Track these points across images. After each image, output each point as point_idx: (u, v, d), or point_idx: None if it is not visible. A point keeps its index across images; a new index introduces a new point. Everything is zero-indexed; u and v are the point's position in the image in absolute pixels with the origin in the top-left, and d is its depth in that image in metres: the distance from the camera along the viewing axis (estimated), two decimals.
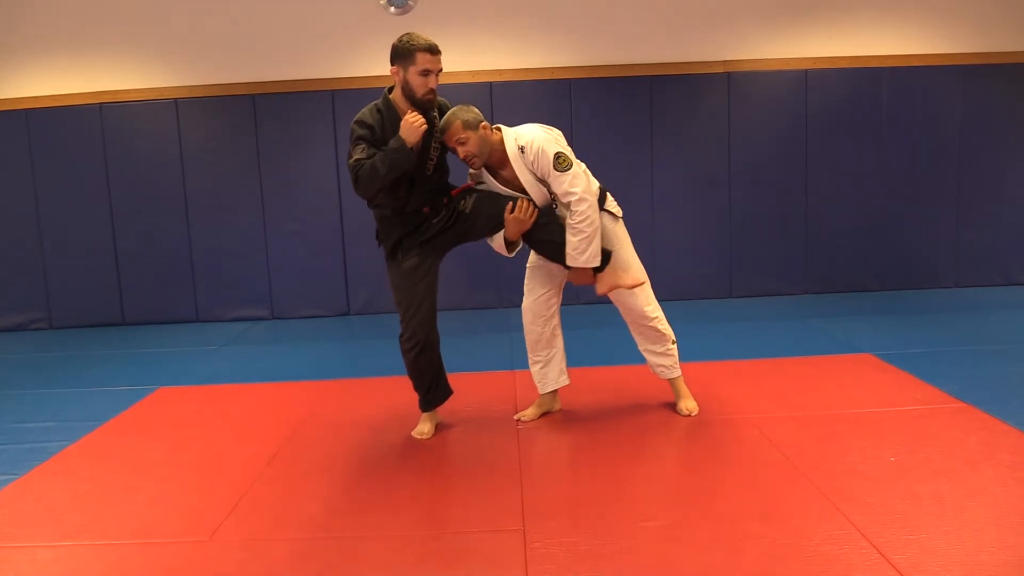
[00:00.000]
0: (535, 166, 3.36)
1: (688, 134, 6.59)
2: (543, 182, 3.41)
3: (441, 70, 3.40)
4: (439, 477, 3.19)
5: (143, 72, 6.54)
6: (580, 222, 3.33)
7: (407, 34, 3.38)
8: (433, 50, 3.34)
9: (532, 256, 3.75)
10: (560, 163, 3.31)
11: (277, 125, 6.56)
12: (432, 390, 3.64)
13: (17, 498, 3.15)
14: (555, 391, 3.87)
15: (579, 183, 3.33)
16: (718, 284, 6.76)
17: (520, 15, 6.50)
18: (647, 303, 3.63)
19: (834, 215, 6.68)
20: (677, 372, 3.75)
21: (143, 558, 2.61)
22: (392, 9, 6.42)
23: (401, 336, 3.52)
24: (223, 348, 5.75)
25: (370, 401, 4.17)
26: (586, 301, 6.66)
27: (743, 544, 2.51)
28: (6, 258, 6.68)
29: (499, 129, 3.47)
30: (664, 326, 3.69)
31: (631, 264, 3.58)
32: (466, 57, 6.51)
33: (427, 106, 3.39)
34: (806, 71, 6.53)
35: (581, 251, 3.36)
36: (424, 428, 3.64)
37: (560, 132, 3.53)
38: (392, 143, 3.25)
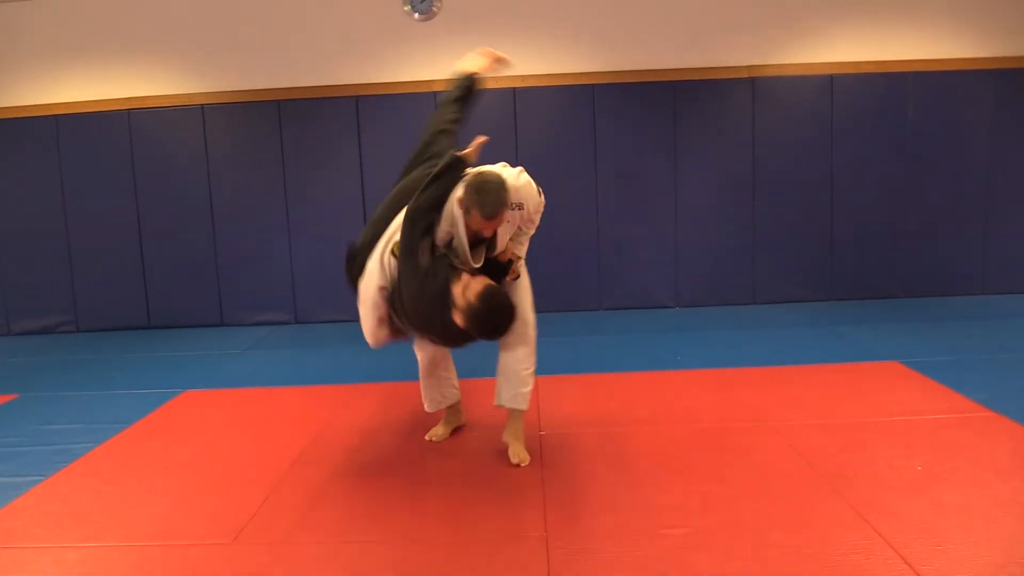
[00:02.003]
0: (518, 210, 3.28)
1: (712, 140, 6.55)
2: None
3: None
4: (461, 483, 3.18)
5: (170, 79, 6.61)
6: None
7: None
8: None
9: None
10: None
11: (302, 131, 6.61)
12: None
13: (44, 499, 3.18)
14: (454, 405, 3.75)
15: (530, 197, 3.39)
16: (742, 290, 6.71)
17: (543, 21, 6.50)
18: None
19: (860, 221, 6.62)
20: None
21: (167, 559, 2.63)
22: (416, 16, 6.45)
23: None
24: (247, 352, 5.79)
25: (393, 406, 4.18)
26: (608, 307, 6.65)
27: (767, 553, 2.49)
28: (35, 262, 6.77)
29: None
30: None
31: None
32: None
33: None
34: (831, 76, 6.48)
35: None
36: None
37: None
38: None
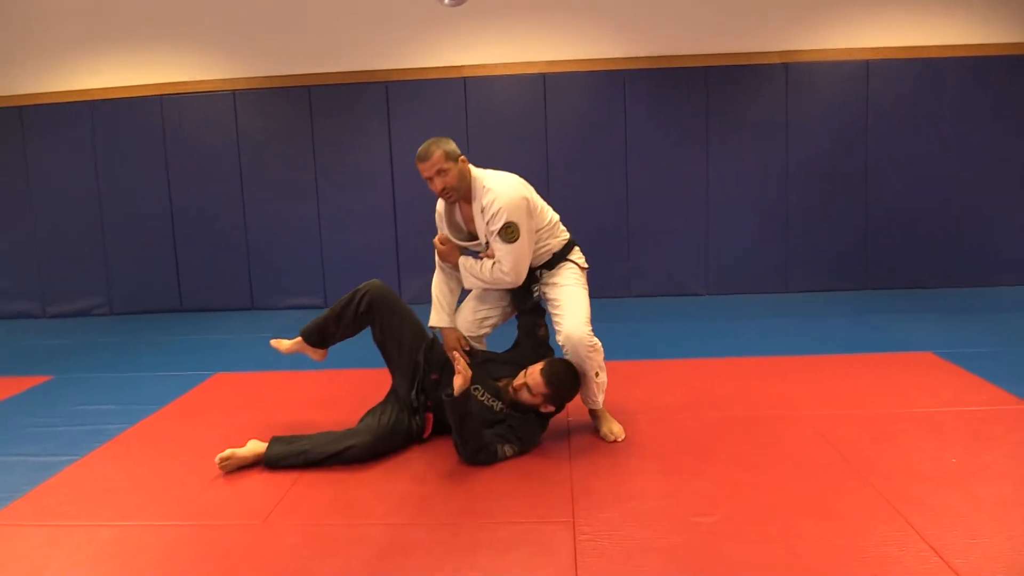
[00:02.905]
0: (488, 222, 3.29)
1: (744, 126, 6.48)
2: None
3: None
4: (489, 467, 3.18)
5: (202, 65, 6.66)
6: (489, 276, 3.35)
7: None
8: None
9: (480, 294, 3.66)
10: (507, 233, 3.25)
11: (332, 117, 6.63)
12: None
13: (78, 478, 3.23)
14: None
15: (510, 261, 3.28)
16: (775, 278, 6.64)
17: (574, 6, 6.45)
18: (586, 319, 3.40)
19: (895, 209, 6.51)
20: (600, 404, 3.49)
21: (199, 539, 2.66)
22: (446, 1, 6.41)
23: None
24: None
25: None
26: (638, 294, 6.62)
27: (797, 543, 2.46)
28: (70, 246, 6.87)
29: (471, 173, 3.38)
30: (593, 354, 3.39)
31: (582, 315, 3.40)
32: (520, 48, 6.49)
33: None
34: (867, 62, 6.37)
35: (472, 273, 3.42)
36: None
37: (531, 188, 3.42)
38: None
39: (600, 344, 3.40)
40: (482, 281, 3.42)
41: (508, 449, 3.22)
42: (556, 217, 3.53)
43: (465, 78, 6.51)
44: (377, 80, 6.56)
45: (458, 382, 3.08)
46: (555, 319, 3.41)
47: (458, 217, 3.53)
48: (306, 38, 6.58)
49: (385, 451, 3.31)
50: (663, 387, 4.07)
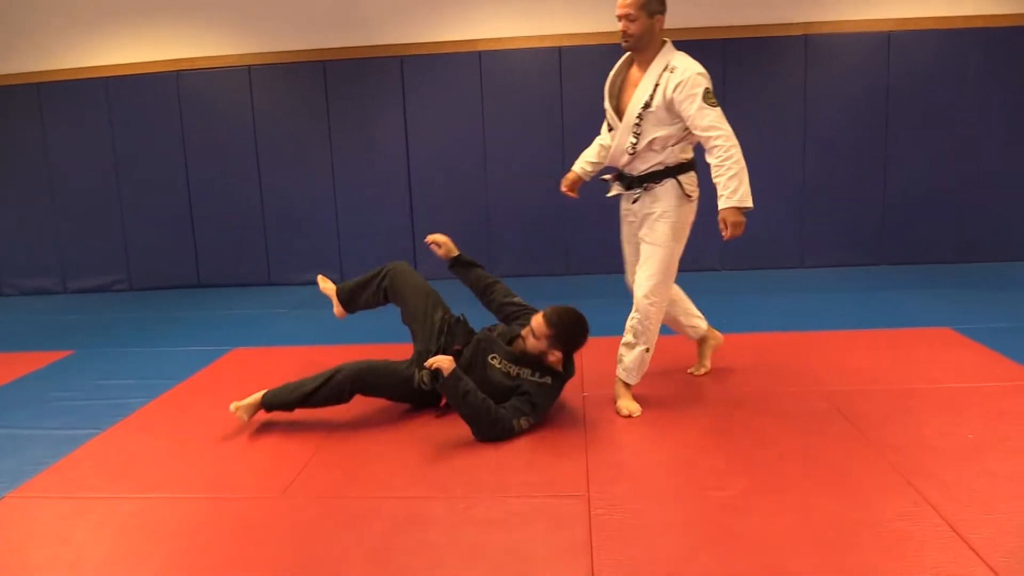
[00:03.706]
0: (676, 89, 3.18)
1: (763, 99, 6.41)
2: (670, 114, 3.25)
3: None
4: (505, 441, 3.21)
5: (217, 40, 6.66)
6: (725, 159, 3.14)
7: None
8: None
9: (622, 231, 3.66)
10: (709, 98, 3.16)
11: (347, 91, 6.62)
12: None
13: (100, 451, 3.28)
14: (702, 336, 3.90)
15: (725, 122, 3.17)
16: (791, 253, 6.61)
17: None
18: (654, 289, 3.40)
19: (914, 184, 6.44)
20: (632, 380, 3.49)
21: (218, 512, 2.70)
22: None
23: None
24: (294, 311, 5.88)
25: None
26: None
27: (812, 517, 2.47)
28: (89, 222, 6.93)
29: (665, 42, 3.33)
30: (649, 324, 3.43)
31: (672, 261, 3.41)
32: (535, 21, 6.44)
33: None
34: (889, 33, 6.27)
35: (733, 190, 3.14)
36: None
37: None
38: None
39: (659, 312, 3.44)
40: (728, 168, 3.14)
41: (524, 422, 3.23)
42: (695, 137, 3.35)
43: (480, 52, 6.47)
44: (392, 55, 6.53)
45: (444, 363, 3.12)
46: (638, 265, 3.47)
47: (619, 81, 3.44)
48: (320, 13, 6.55)
49: (376, 386, 3.43)
50: (679, 362, 4.06)
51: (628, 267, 3.71)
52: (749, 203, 3.18)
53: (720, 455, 3.00)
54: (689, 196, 3.36)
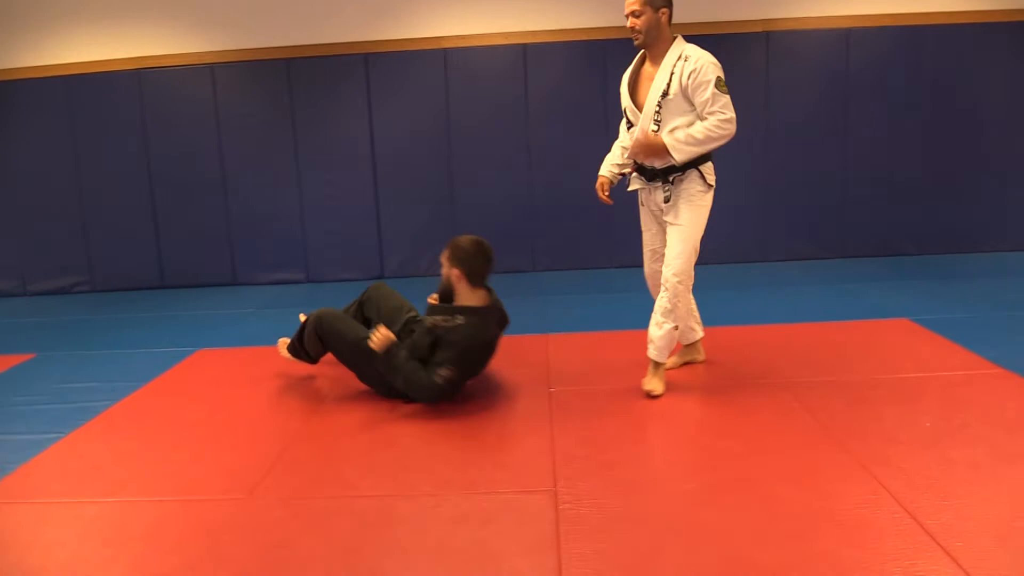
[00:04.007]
0: (690, 76, 3.36)
1: None
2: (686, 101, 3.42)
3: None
4: (471, 438, 3.23)
5: (180, 38, 6.58)
6: (711, 129, 3.35)
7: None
8: None
9: (642, 218, 3.82)
10: (721, 85, 3.37)
11: (311, 89, 6.58)
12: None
13: (63, 455, 3.25)
14: (693, 343, 3.97)
15: (732, 111, 3.37)
16: (752, 247, 6.69)
17: None
18: (681, 268, 3.53)
19: (873, 178, 6.56)
20: (661, 358, 3.63)
21: (184, 514, 2.68)
22: None
23: None
24: (260, 311, 5.84)
25: None
26: (619, 265, 6.64)
27: (775, 507, 2.52)
28: (49, 222, 6.81)
29: (676, 36, 3.51)
30: (677, 302, 3.56)
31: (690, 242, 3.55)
32: (500, 19, 6.45)
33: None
34: (848, 30, 6.38)
35: (683, 139, 3.36)
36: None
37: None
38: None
39: (684, 296, 3.61)
40: (700, 142, 3.38)
41: (444, 371, 3.38)
42: None
43: (445, 49, 6.46)
44: (356, 52, 6.51)
45: (379, 338, 3.40)
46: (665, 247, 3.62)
47: (634, 79, 3.62)
48: (284, 10, 6.50)
49: (334, 331, 3.66)
50: (643, 356, 4.09)
51: (647, 256, 3.86)
52: (676, 156, 3.39)
53: (684, 448, 3.04)
54: (710, 185, 3.55)
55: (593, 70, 6.44)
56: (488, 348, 3.60)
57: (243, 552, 2.42)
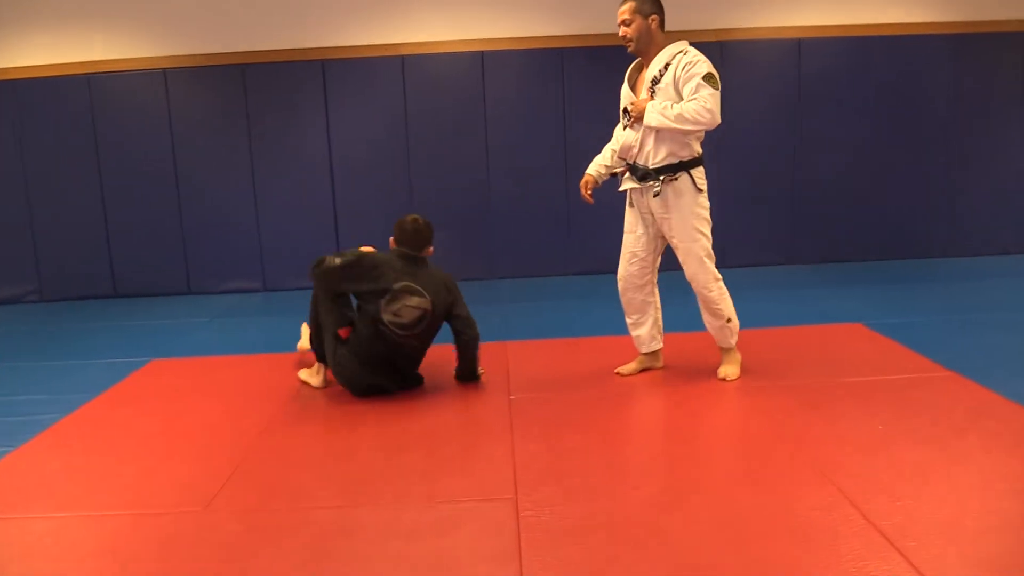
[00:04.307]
0: (684, 68, 3.47)
1: None
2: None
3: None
4: (431, 446, 3.21)
5: (131, 42, 6.47)
6: (689, 112, 3.42)
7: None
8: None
9: (627, 220, 3.89)
10: (710, 80, 3.44)
11: (268, 95, 6.51)
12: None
13: (11, 471, 3.16)
14: (654, 352, 4.00)
15: (716, 105, 3.43)
16: None
17: None
18: (705, 278, 3.73)
19: (825, 185, 6.68)
20: (730, 344, 3.83)
21: (138, 529, 2.63)
22: None
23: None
24: (215, 320, 5.76)
25: None
26: (576, 272, 6.67)
27: (733, 512, 2.55)
28: None
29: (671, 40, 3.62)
30: (719, 306, 3.74)
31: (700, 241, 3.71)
32: (457, 26, 6.45)
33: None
34: (799, 40, 6.50)
35: (665, 109, 3.45)
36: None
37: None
38: None
39: (722, 291, 3.75)
40: (675, 117, 3.45)
41: (336, 258, 3.71)
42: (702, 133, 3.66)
43: (403, 56, 6.45)
44: (313, 58, 6.46)
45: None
46: (680, 261, 3.76)
47: (632, 82, 3.76)
48: (239, 15, 6.43)
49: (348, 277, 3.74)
50: (602, 363, 4.13)
51: (624, 257, 3.90)
52: (651, 120, 3.49)
53: (643, 454, 3.06)
54: (700, 189, 3.67)
55: (551, 77, 6.47)
56: (379, 271, 3.71)
57: (198, 567, 2.38)
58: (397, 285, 3.62)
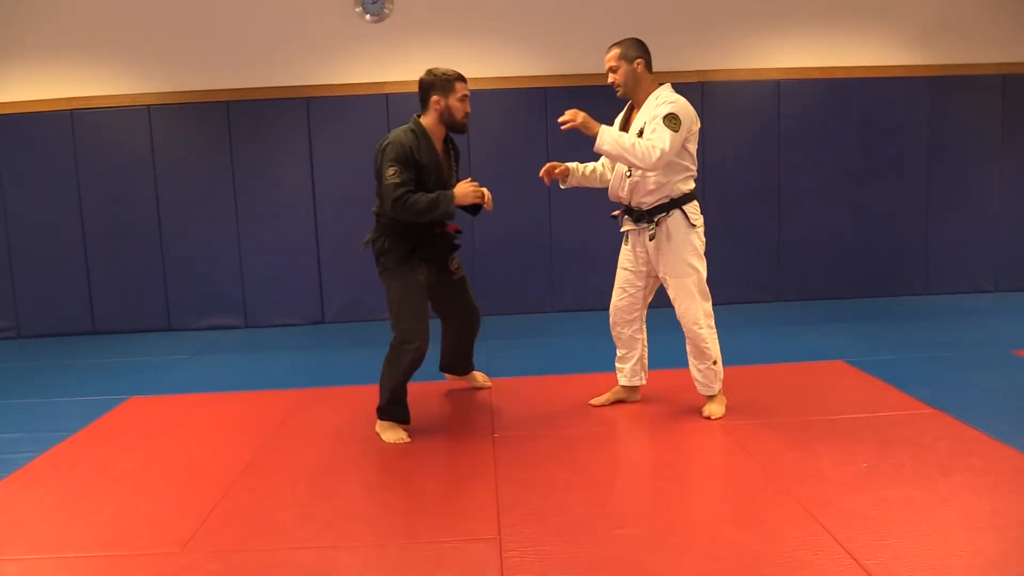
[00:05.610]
0: (656, 109, 3.56)
1: None
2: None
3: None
4: (414, 486, 3.18)
5: (115, 78, 6.48)
6: (640, 147, 3.46)
7: (434, 68, 4.00)
8: (464, 79, 3.91)
9: (622, 256, 3.92)
10: (670, 120, 3.49)
11: (251, 133, 6.52)
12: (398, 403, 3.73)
13: None
14: (633, 387, 4.04)
15: (668, 144, 3.45)
16: None
17: (494, 24, 6.51)
18: (695, 316, 3.76)
19: (805, 223, 6.75)
20: (712, 391, 3.83)
21: (113, 571, 2.57)
22: (368, 17, 6.41)
23: (401, 340, 3.65)
24: (195, 357, 5.70)
25: (344, 410, 4.14)
26: (559, 310, 6.67)
27: (718, 551, 2.53)
28: None
29: (660, 83, 3.74)
30: (706, 345, 3.75)
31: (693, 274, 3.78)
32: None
33: (464, 129, 3.90)
34: (779, 81, 6.61)
35: (612, 136, 3.52)
36: (401, 434, 3.67)
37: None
38: (443, 200, 3.73)
39: (711, 336, 3.76)
40: (623, 149, 3.49)
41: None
42: (695, 170, 3.75)
43: (387, 95, 6.49)
44: (298, 96, 6.49)
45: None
46: (670, 298, 3.82)
47: (622, 125, 3.84)
48: (224, 52, 6.46)
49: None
50: (584, 402, 4.11)
51: (616, 292, 3.96)
52: (603, 142, 3.54)
53: (627, 492, 3.04)
54: (694, 225, 3.72)
55: (534, 116, 6.53)
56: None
57: None
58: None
